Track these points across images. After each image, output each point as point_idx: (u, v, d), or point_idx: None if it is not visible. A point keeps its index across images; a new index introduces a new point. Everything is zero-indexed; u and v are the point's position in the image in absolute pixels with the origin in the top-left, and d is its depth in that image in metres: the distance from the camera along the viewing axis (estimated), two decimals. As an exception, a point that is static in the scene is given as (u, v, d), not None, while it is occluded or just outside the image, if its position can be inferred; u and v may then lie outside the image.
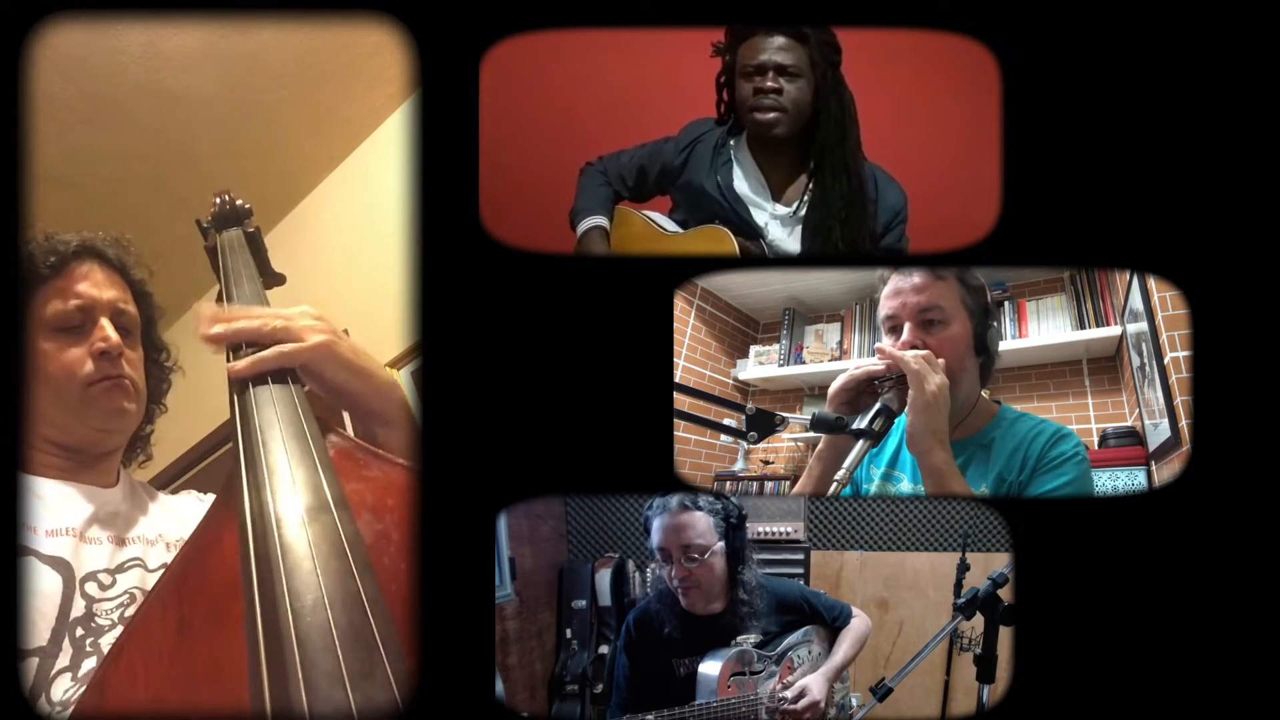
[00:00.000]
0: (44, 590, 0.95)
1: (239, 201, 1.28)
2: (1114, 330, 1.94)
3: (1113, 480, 1.78)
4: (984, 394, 1.08)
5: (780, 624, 1.43)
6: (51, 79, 2.15)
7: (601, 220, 1.42)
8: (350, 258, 2.57)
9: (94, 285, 1.11)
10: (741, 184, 1.40)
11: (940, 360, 0.98)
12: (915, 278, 1.04)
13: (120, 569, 1.03)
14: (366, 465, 0.84)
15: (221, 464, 2.64)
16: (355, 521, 0.68)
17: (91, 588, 0.99)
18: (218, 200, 1.28)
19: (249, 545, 0.65)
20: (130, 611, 0.99)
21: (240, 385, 0.88)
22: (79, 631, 0.95)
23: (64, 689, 0.91)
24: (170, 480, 2.62)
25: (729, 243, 1.36)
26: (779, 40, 1.30)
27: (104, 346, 1.07)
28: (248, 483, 0.73)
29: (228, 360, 0.91)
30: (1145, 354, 1.65)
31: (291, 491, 0.70)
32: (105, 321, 1.09)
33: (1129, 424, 1.88)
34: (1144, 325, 1.63)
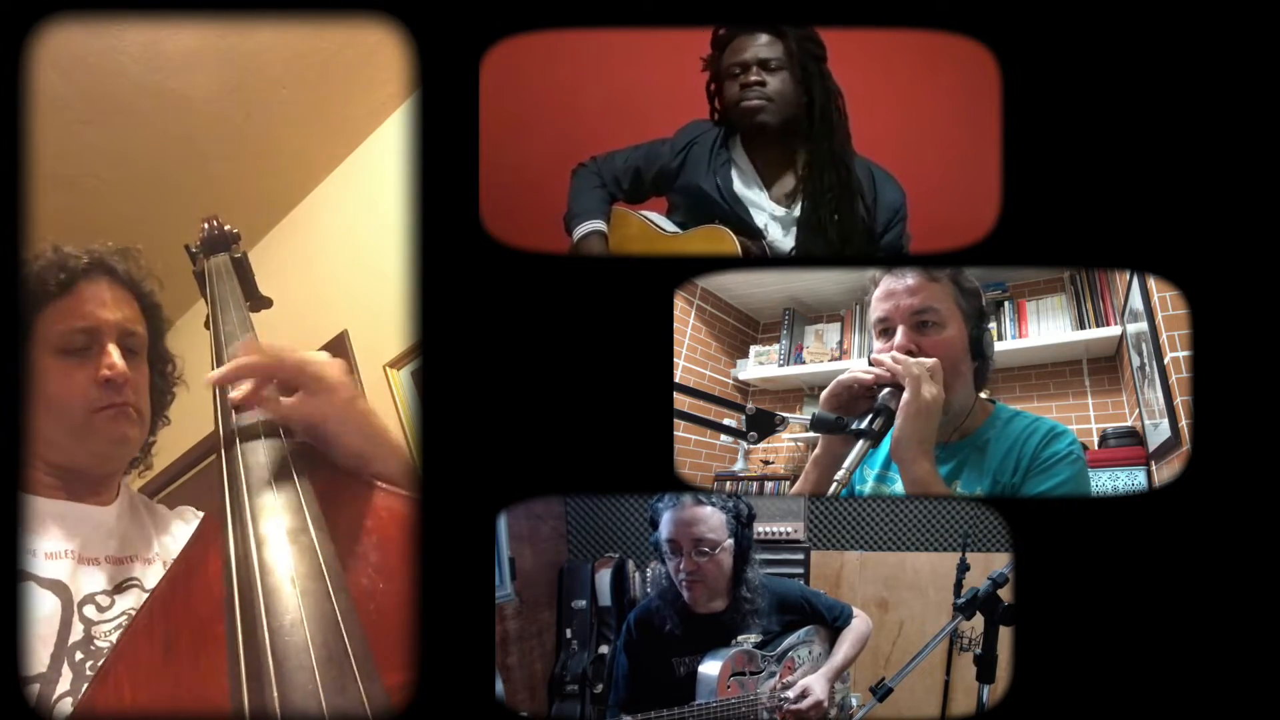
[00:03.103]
0: (43, 615, 0.94)
1: (227, 226, 1.28)
2: (1114, 330, 1.94)
3: (1113, 480, 1.78)
4: (980, 396, 1.07)
5: (781, 624, 1.43)
6: (51, 79, 2.15)
7: (599, 225, 1.42)
8: (350, 258, 2.57)
9: (102, 306, 1.07)
10: (740, 184, 1.40)
11: (940, 366, 0.97)
12: (908, 279, 1.02)
13: (119, 589, 1.02)
14: (345, 487, 0.84)
15: (209, 472, 2.62)
16: (333, 543, 0.69)
17: (90, 610, 0.98)
18: (205, 226, 1.28)
19: (230, 566, 0.67)
20: (127, 626, 0.98)
21: (225, 407, 0.88)
22: (78, 655, 0.94)
23: (65, 713, 0.90)
24: (160, 488, 2.60)
25: (730, 242, 1.37)
26: (760, 38, 1.34)
27: (109, 375, 1.04)
28: (230, 504, 0.74)
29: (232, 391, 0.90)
30: (1145, 354, 1.65)
31: (273, 513, 0.71)
32: (112, 347, 1.06)
33: (1129, 424, 1.88)
34: (1144, 325, 1.63)
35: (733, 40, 1.35)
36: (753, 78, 1.33)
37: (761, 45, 1.33)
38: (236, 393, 0.90)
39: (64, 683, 0.92)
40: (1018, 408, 1.08)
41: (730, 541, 1.37)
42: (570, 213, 1.44)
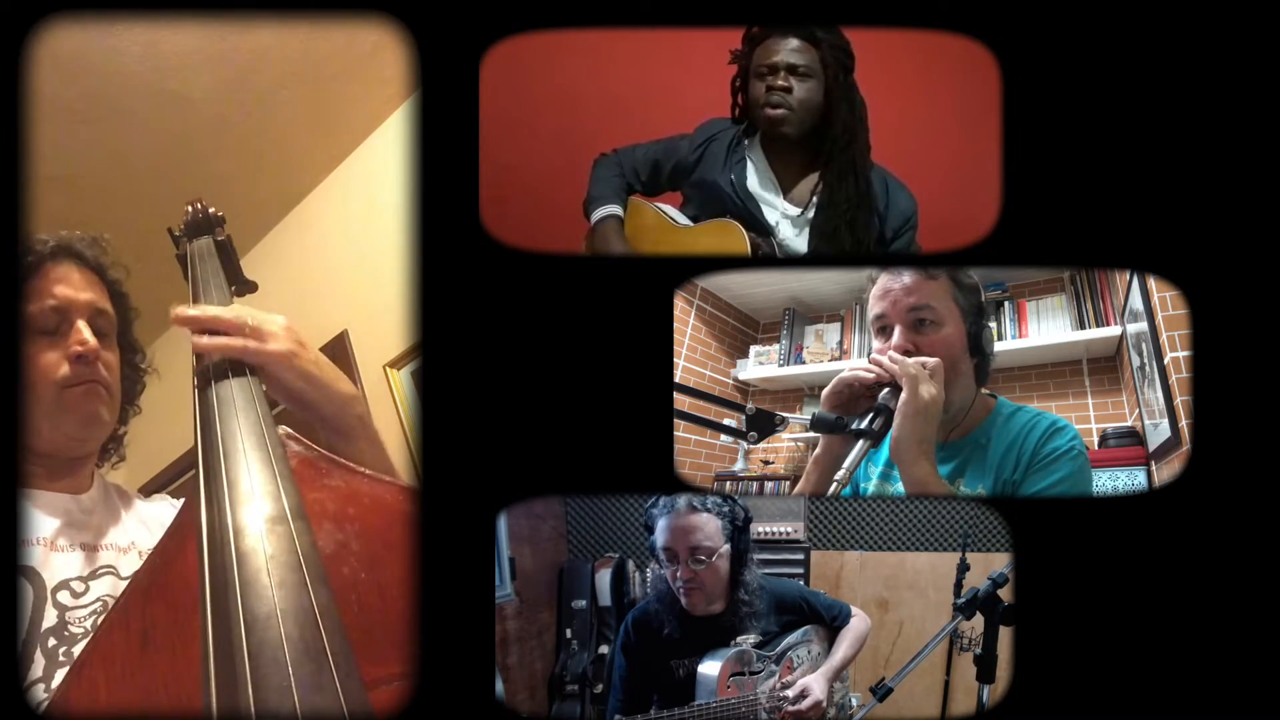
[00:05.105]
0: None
1: (211, 209, 1.28)
2: (1114, 330, 1.94)
3: (1113, 480, 1.78)
4: (981, 391, 1.07)
5: (779, 624, 1.43)
6: (51, 79, 2.15)
7: (616, 209, 1.44)
8: (350, 258, 2.57)
9: (70, 286, 1.09)
10: (754, 182, 1.41)
11: (941, 366, 0.96)
12: (905, 277, 1.01)
13: (93, 576, 1.02)
14: (328, 474, 0.83)
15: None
16: (313, 533, 0.68)
17: (64, 596, 0.98)
18: (190, 209, 1.28)
19: (205, 556, 0.66)
20: (103, 619, 0.98)
21: (202, 382, 0.88)
22: (51, 641, 0.94)
23: (38, 699, 0.90)
24: (160, 488, 2.60)
25: (739, 236, 1.37)
26: (793, 43, 1.33)
27: (81, 350, 1.05)
28: (206, 493, 0.73)
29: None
30: (1145, 354, 1.65)
31: (250, 502, 0.70)
32: (82, 324, 1.07)
33: (1129, 424, 1.88)
34: (1144, 325, 1.63)
35: (765, 40, 1.35)
36: (780, 82, 1.33)
37: (793, 50, 1.33)
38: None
39: (36, 669, 0.92)
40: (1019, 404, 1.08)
41: (727, 547, 1.36)
42: (589, 197, 1.46)
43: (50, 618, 0.96)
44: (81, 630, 0.97)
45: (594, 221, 1.44)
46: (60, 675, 0.93)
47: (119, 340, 1.16)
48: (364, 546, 0.75)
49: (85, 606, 0.99)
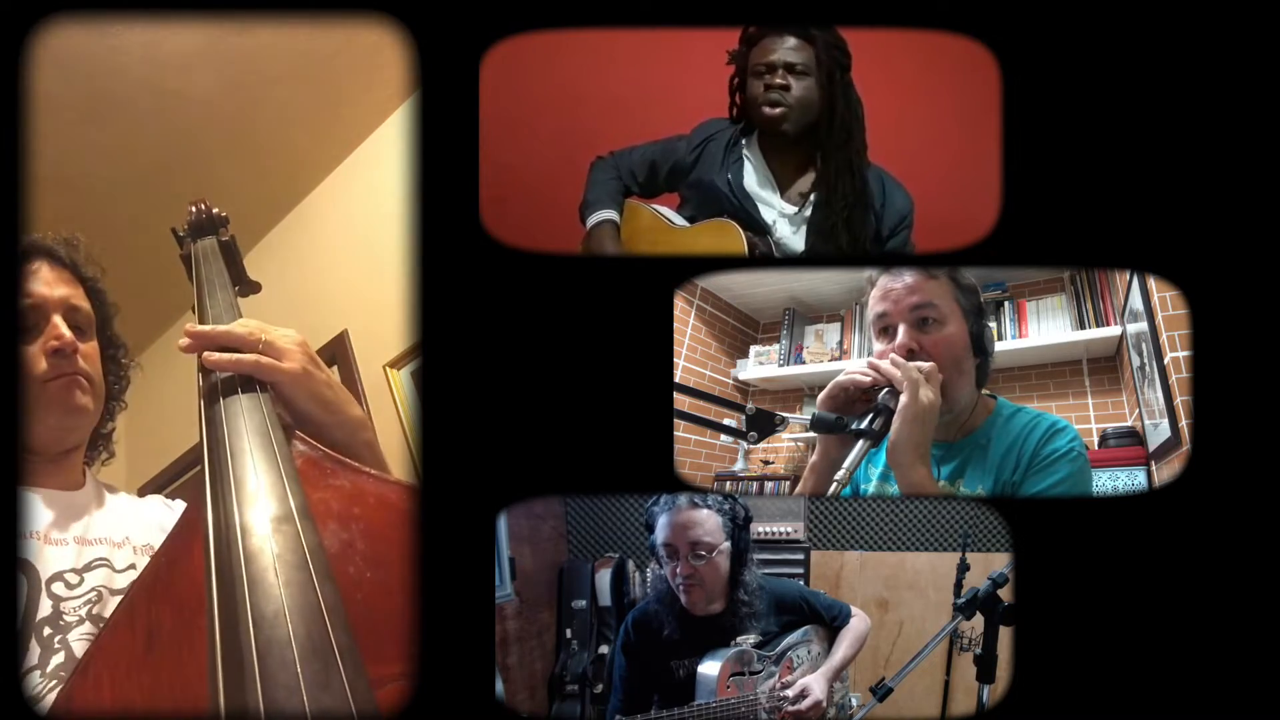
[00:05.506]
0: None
1: (215, 210, 1.28)
2: (1114, 330, 1.94)
3: (1113, 480, 1.78)
4: (981, 392, 1.07)
5: (779, 624, 1.43)
6: (51, 79, 2.15)
7: (612, 214, 1.44)
8: (350, 258, 2.57)
9: (43, 283, 1.10)
10: (751, 181, 1.41)
11: (937, 371, 0.96)
12: (906, 277, 1.01)
13: (87, 568, 1.03)
14: (334, 474, 0.84)
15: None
16: (319, 532, 0.69)
17: (58, 587, 0.99)
18: (193, 209, 1.28)
19: (212, 555, 0.66)
20: (98, 609, 0.99)
21: (210, 394, 0.88)
22: (46, 630, 0.96)
23: (33, 685, 0.92)
24: (160, 488, 2.60)
25: (736, 236, 1.38)
26: (790, 41, 1.34)
27: (57, 344, 1.06)
28: (213, 493, 0.73)
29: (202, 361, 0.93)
30: (1145, 354, 1.65)
31: (256, 502, 0.71)
32: (58, 319, 1.08)
33: (1129, 424, 1.88)
34: (1144, 325, 1.63)
35: (762, 39, 1.35)
36: (778, 80, 1.34)
37: (790, 49, 1.34)
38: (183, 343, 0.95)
39: (31, 656, 0.94)
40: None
41: (727, 544, 1.36)
42: (585, 201, 1.46)
43: (45, 608, 0.97)
44: (77, 618, 0.98)
45: (588, 227, 1.44)
46: (55, 661, 0.94)
47: (99, 336, 1.17)
48: (369, 546, 0.75)
49: (80, 596, 1.00)
